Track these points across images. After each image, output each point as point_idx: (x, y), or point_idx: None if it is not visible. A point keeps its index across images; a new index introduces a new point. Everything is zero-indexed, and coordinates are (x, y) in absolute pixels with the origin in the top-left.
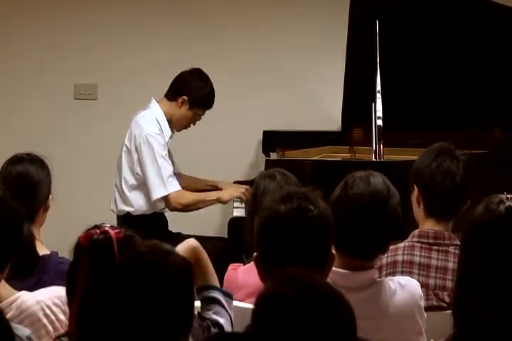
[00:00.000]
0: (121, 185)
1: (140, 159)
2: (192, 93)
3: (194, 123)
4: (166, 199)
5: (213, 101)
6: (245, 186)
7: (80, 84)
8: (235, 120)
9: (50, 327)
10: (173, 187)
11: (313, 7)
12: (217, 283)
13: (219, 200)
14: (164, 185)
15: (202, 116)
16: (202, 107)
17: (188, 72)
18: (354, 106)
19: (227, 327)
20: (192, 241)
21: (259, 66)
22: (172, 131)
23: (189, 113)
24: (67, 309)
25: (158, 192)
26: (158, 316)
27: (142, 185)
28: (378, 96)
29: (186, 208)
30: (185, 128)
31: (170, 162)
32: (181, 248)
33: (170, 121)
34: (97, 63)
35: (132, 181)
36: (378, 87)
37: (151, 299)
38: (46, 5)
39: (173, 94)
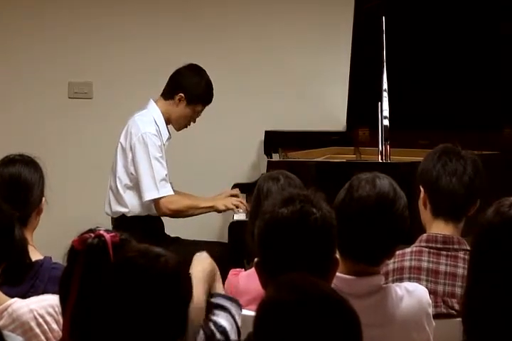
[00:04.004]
0: (115, 185)
1: (134, 158)
2: (189, 89)
3: (194, 121)
4: (156, 202)
5: (212, 96)
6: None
7: (74, 82)
8: (236, 120)
9: (42, 337)
10: (165, 190)
11: (316, 4)
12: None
13: (214, 209)
14: (156, 188)
15: (201, 113)
16: (200, 103)
17: (183, 68)
18: (359, 105)
19: (232, 333)
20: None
21: (260, 65)
22: (170, 134)
23: (187, 110)
24: (60, 319)
25: (149, 194)
26: (153, 319)
27: (136, 186)
28: (385, 95)
29: (176, 214)
30: (186, 126)
31: (164, 164)
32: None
33: (168, 122)
34: (92, 61)
35: (126, 181)
36: (385, 86)
37: (144, 303)
38: (40, 2)
39: (169, 92)
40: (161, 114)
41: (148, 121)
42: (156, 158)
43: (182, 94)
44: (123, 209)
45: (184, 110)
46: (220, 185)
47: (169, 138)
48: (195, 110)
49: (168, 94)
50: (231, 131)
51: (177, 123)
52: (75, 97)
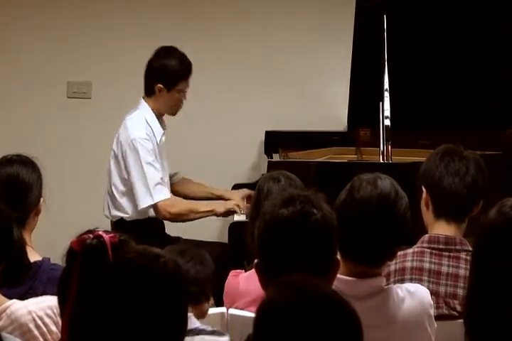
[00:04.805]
0: (112, 191)
1: (126, 166)
2: (162, 77)
3: (185, 98)
4: (154, 207)
5: (189, 69)
6: (247, 191)
7: (73, 82)
8: (236, 120)
9: (41, 339)
10: (161, 195)
11: (316, 3)
12: None
13: (213, 213)
14: (150, 194)
15: (187, 88)
16: (180, 81)
17: (151, 57)
18: (361, 105)
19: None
20: None
21: (261, 64)
22: (164, 129)
23: (172, 95)
24: (59, 320)
25: (144, 202)
26: (152, 320)
27: (132, 192)
28: (386, 94)
29: (177, 218)
30: (180, 108)
31: (158, 167)
32: None
33: (162, 114)
34: (91, 60)
35: (122, 187)
36: (386, 85)
37: (143, 304)
38: (40, 2)
39: (148, 87)
40: (152, 111)
41: (139, 123)
42: (148, 163)
43: (160, 85)
44: (122, 214)
45: (169, 97)
46: (220, 185)
47: (164, 132)
48: (180, 90)
49: (148, 89)
50: (231, 131)
51: (169, 110)
52: (73, 97)
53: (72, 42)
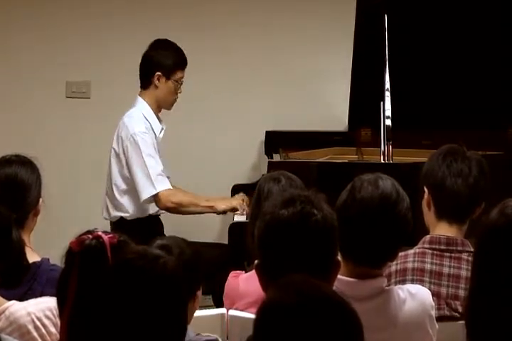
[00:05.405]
0: (112, 192)
1: (128, 160)
2: (160, 64)
3: (180, 91)
4: (156, 197)
5: (185, 59)
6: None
7: (72, 81)
8: (236, 120)
9: (40, 340)
10: (163, 185)
11: (317, 3)
12: None
13: (213, 209)
14: (152, 184)
15: (182, 80)
16: (178, 70)
17: (146, 51)
18: (361, 105)
19: None
20: None
21: (261, 64)
22: (162, 125)
23: (170, 84)
24: (58, 322)
25: (146, 192)
26: (152, 322)
27: (133, 189)
28: (387, 94)
29: (178, 207)
30: (175, 100)
31: (159, 160)
32: None
33: (159, 108)
34: (90, 60)
35: (123, 186)
36: (387, 85)
37: (143, 305)
38: (40, 2)
39: (145, 78)
40: (149, 107)
41: (137, 118)
42: (148, 154)
43: (158, 73)
44: (122, 214)
45: (167, 85)
46: (220, 185)
47: (163, 128)
48: (176, 79)
49: (145, 81)
50: (231, 131)
51: (166, 102)
52: (72, 97)
53: (71, 42)
